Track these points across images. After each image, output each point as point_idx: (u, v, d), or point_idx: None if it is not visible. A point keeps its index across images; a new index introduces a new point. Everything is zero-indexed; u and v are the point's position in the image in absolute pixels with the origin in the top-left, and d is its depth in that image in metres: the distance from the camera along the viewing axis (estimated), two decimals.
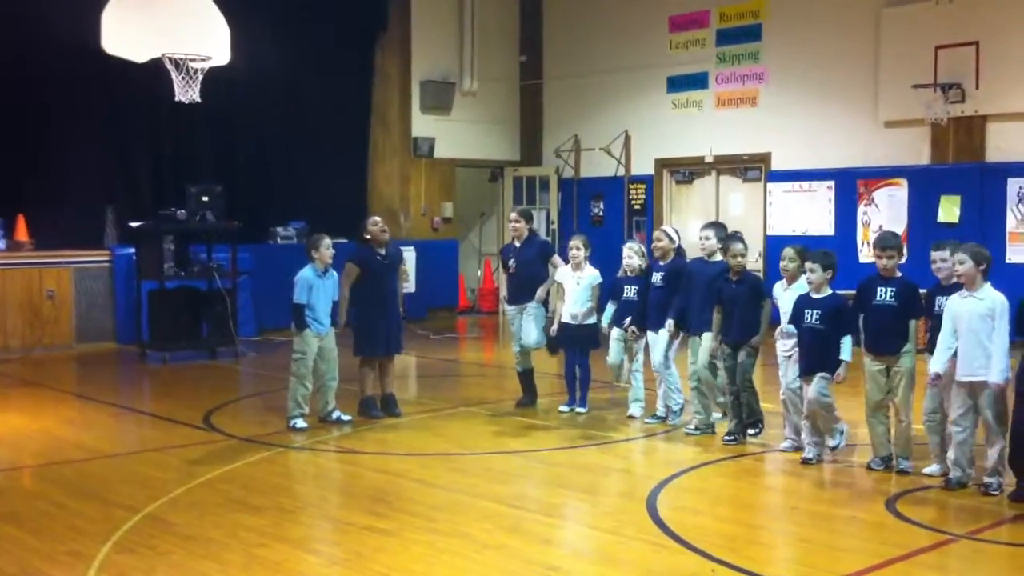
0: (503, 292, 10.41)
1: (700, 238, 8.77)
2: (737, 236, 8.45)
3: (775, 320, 8.19)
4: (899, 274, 7.45)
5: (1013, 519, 6.38)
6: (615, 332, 9.31)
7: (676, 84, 16.83)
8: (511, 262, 9.86)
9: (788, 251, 8.16)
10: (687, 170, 17.05)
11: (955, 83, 13.53)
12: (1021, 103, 13.26)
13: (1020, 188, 13.20)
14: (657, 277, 9.07)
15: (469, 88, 18.09)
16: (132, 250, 13.96)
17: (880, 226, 13.85)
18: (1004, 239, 13.00)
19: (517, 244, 9.90)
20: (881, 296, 7.37)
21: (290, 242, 15.55)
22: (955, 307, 6.88)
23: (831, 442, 7.71)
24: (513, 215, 10.08)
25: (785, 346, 7.94)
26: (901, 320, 7.33)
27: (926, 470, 7.29)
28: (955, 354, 6.87)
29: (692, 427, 8.68)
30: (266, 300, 14.63)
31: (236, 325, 13.45)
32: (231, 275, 13.56)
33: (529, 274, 9.73)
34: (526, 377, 9.96)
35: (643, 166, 17.35)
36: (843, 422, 7.75)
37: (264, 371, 12.46)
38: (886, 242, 7.52)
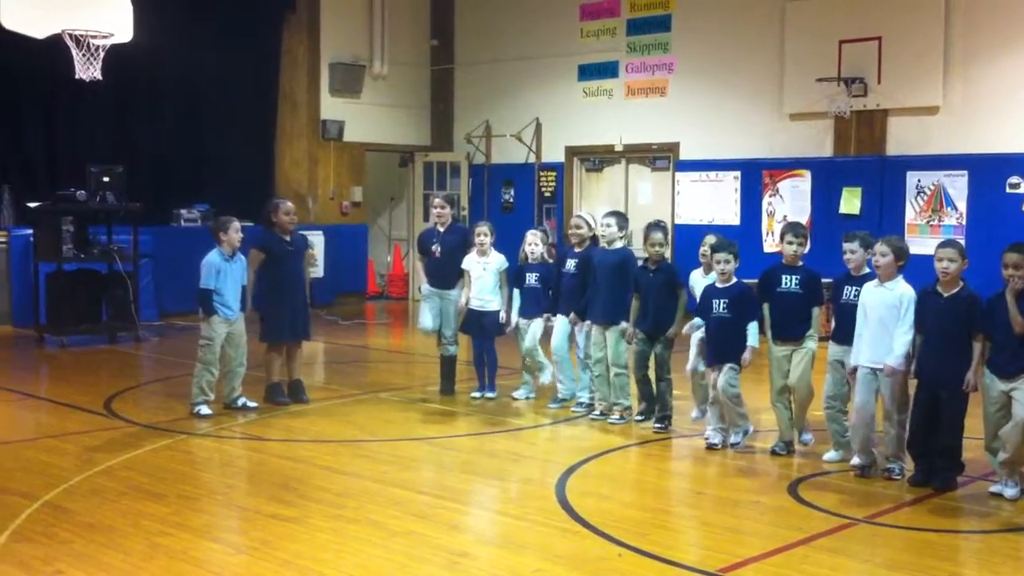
0: (420, 279, 10.14)
1: (601, 225, 8.72)
2: (660, 226, 8.43)
3: (691, 308, 8.19)
4: (801, 263, 7.62)
5: (911, 503, 6.55)
6: (523, 322, 9.35)
7: (587, 72, 16.89)
8: (435, 247, 9.78)
9: (710, 239, 8.20)
10: (597, 158, 17.13)
11: (858, 77, 13.81)
12: (921, 98, 13.59)
13: (919, 181, 13.55)
14: (570, 264, 9.05)
15: (379, 71, 17.92)
16: (29, 231, 13.57)
17: (784, 216, 14.09)
18: (903, 231, 13.29)
19: (441, 229, 9.82)
20: (786, 284, 7.53)
21: (194, 224, 15.27)
22: (866, 297, 7.00)
23: (733, 438, 7.73)
24: (439, 201, 9.97)
25: (699, 335, 8.00)
26: (805, 307, 7.51)
27: (825, 456, 7.45)
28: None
29: (617, 417, 8.62)
30: (169, 284, 14.36)
31: (137, 309, 13.17)
32: (132, 258, 13.25)
33: (453, 260, 9.65)
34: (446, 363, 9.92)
35: (554, 153, 17.39)
36: (750, 423, 7.77)
37: (166, 356, 12.22)
38: (797, 229, 7.70)
